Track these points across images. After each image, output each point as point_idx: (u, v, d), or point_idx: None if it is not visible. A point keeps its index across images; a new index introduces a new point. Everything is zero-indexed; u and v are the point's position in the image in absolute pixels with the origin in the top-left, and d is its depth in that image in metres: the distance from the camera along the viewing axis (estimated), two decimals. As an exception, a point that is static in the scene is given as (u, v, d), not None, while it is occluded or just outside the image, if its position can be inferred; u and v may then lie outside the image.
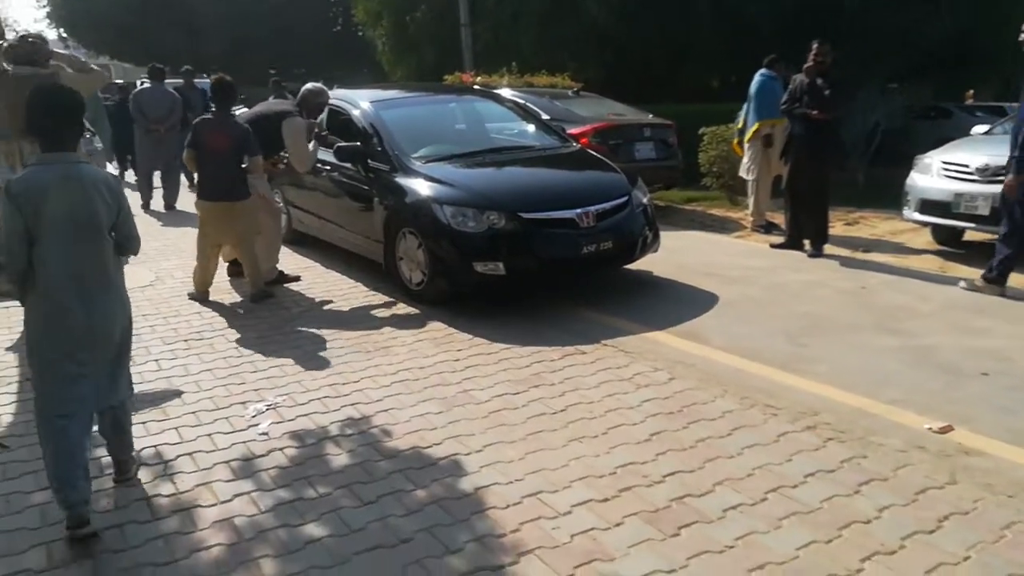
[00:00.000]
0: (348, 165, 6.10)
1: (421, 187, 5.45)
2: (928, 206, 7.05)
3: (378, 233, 5.80)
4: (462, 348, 4.55)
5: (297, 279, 6.15)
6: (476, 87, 10.95)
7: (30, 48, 4.83)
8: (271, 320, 5.17)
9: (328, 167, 6.43)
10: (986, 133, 7.89)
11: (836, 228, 7.57)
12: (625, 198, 5.65)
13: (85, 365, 2.67)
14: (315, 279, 6.24)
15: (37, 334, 2.65)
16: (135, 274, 6.13)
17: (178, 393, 3.94)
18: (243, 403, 3.80)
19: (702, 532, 2.64)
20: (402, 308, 5.41)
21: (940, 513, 2.74)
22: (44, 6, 29.40)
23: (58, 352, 2.63)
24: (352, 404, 3.78)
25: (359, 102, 6.54)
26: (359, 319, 5.19)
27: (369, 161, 5.93)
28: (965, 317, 5.05)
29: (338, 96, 6.86)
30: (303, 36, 28.11)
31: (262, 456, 3.25)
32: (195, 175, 5.85)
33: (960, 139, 8.00)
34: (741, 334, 4.76)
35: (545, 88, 11.17)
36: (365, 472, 3.10)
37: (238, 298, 5.73)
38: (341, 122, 6.59)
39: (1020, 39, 5.78)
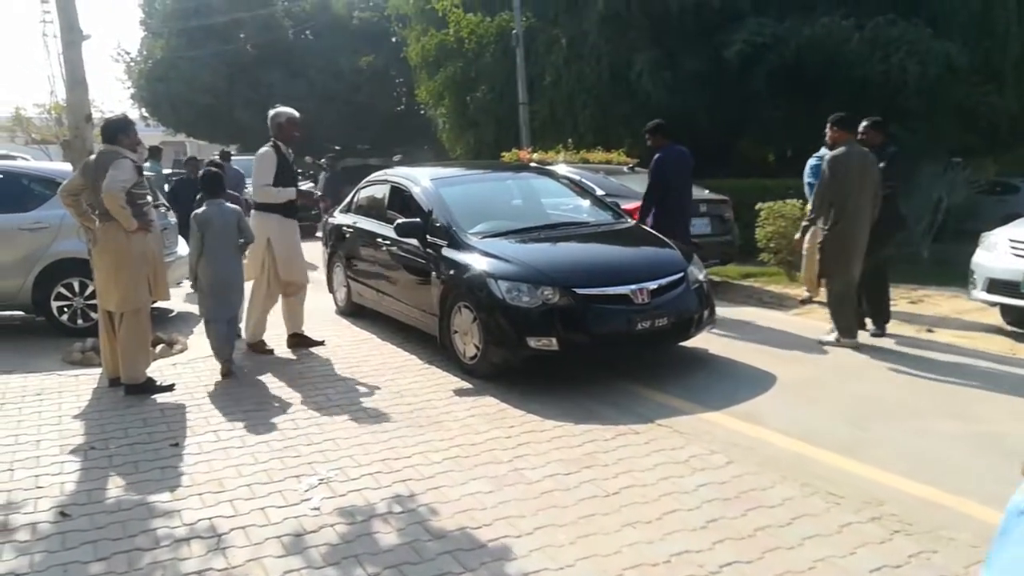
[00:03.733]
0: (408, 240, 6.22)
1: (477, 262, 5.54)
2: (996, 285, 6.83)
3: (434, 307, 5.87)
4: (514, 425, 4.53)
5: (321, 343, 6.50)
6: (533, 163, 11.17)
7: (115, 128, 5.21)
8: (328, 392, 5.25)
9: (388, 242, 6.61)
10: (1056, 210, 7.65)
11: (899, 305, 7.38)
12: (680, 274, 5.62)
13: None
14: (371, 351, 6.34)
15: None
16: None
17: (235, 465, 4.00)
18: (297, 477, 3.83)
19: (760, 629, 2.52)
20: (456, 382, 5.43)
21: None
22: (129, 87, 31.32)
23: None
24: (403, 480, 3.77)
25: (419, 179, 6.75)
26: (413, 392, 5.23)
27: (428, 236, 6.05)
28: (1040, 402, 4.83)
29: (399, 174, 7.20)
30: (369, 114, 29.21)
31: (313, 532, 3.26)
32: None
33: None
34: (801, 416, 4.63)
35: (600, 164, 11.33)
36: (414, 552, 3.07)
37: (295, 370, 5.84)
38: (403, 199, 6.83)
39: None
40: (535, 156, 13.11)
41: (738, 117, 14.05)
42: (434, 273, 5.90)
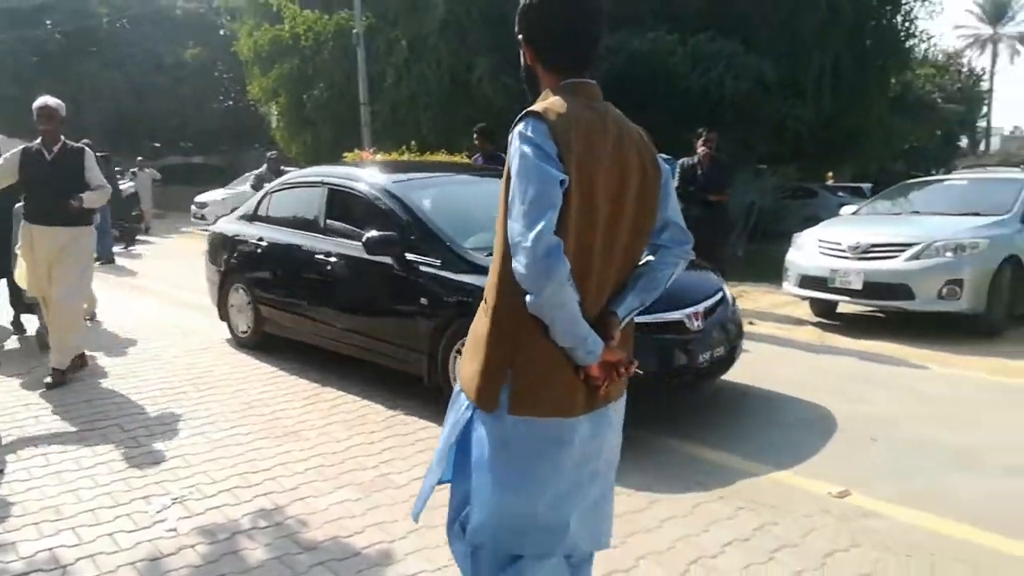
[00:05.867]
0: (375, 259, 4.91)
1: None
2: (806, 281, 7.59)
3: (418, 341, 4.77)
4: (375, 430, 4.48)
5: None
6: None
7: None
8: (170, 407, 4.94)
9: (334, 259, 5.36)
10: (855, 213, 8.61)
11: (726, 302, 8.00)
12: (721, 292, 4.95)
13: None
14: (215, 361, 6.03)
15: None
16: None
17: (72, 490, 3.68)
18: (145, 498, 3.59)
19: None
20: (311, 389, 5.28)
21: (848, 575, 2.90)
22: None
23: None
24: (265, 494, 3.63)
25: (376, 182, 5.44)
26: (264, 403, 5.02)
27: (406, 255, 4.88)
28: (850, 386, 5.41)
29: (339, 174, 5.87)
30: (194, 110, 27.60)
31: (171, 555, 3.07)
32: None
33: (833, 218, 8.71)
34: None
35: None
36: (285, 567, 2.98)
37: (130, 385, 5.45)
38: (350, 206, 5.57)
39: None
40: (378, 157, 12.96)
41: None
42: (423, 299, 4.73)
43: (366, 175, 5.67)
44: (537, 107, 1.77)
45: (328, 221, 5.61)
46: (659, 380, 4.36)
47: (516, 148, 1.73)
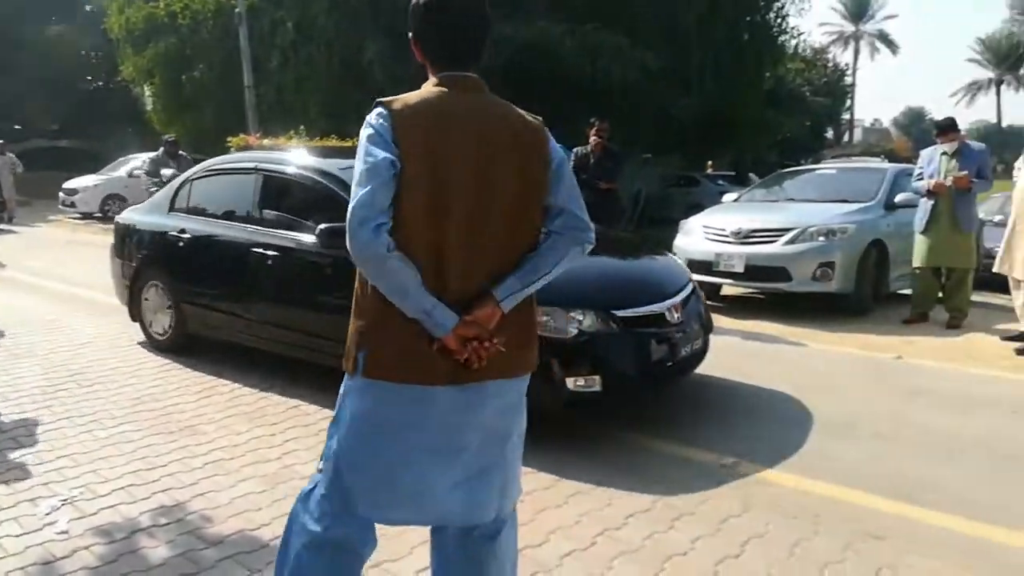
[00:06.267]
0: (325, 251, 4.40)
1: None
2: (693, 265, 7.92)
3: None
4: (276, 422, 4.40)
5: None
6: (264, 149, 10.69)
7: None
8: (50, 404, 4.66)
9: (274, 252, 4.94)
10: (736, 200, 9.07)
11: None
12: (691, 283, 4.84)
13: None
14: (96, 355, 5.72)
15: None
16: None
17: (-55, 496, 3.44)
18: (32, 500, 3.39)
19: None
20: (204, 381, 5.11)
21: (742, 538, 3.10)
22: None
23: None
24: (163, 491, 3.50)
25: (321, 167, 5.01)
26: (155, 397, 4.82)
27: None
28: (734, 362, 5.73)
29: (274, 159, 5.43)
30: (59, 90, 25.76)
31: (65, 557, 2.92)
32: None
33: (716, 206, 9.14)
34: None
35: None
36: (190, 562, 2.90)
37: (10, 384, 5.10)
38: (288, 193, 5.23)
39: None
40: (265, 143, 12.56)
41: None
42: None
43: (309, 162, 5.24)
44: (386, 98, 1.90)
45: (264, 211, 5.21)
46: (650, 379, 4.28)
47: (361, 135, 1.89)
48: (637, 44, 13.86)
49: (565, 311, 3.95)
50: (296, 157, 5.48)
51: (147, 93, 18.57)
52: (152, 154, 11.37)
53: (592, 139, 7.57)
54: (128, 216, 6.36)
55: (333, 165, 5.00)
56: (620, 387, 4.14)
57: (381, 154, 1.81)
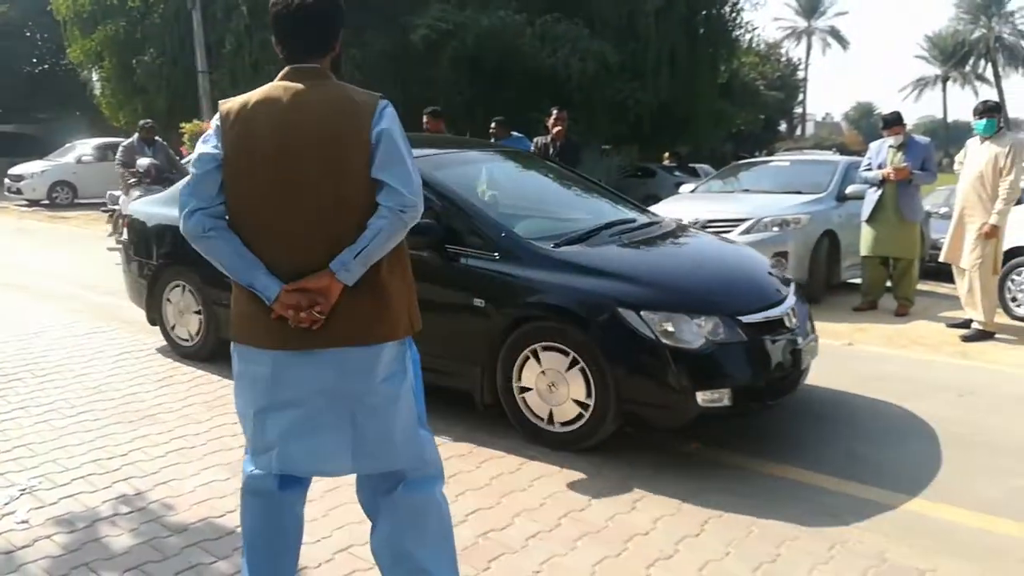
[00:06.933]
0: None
1: (579, 282, 3.79)
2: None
3: (471, 351, 4.03)
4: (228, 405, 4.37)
5: None
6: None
7: None
8: (3, 394, 4.57)
9: None
10: (693, 191, 9.23)
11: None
12: (791, 281, 4.55)
13: None
14: (51, 344, 5.61)
15: None
16: None
17: None
18: (-12, 491, 3.34)
19: None
20: (163, 368, 5.05)
21: (701, 518, 3.20)
22: None
23: None
24: (125, 479, 3.48)
25: None
26: (113, 386, 4.75)
27: (448, 247, 4.07)
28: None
29: None
30: (2, 73, 24.90)
31: (26, 547, 2.89)
32: None
33: (674, 196, 9.30)
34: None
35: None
36: (154, 550, 2.89)
37: (-45, 372, 4.98)
38: None
39: None
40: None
41: (426, 99, 14.57)
42: (477, 300, 3.96)
43: None
44: (227, 98, 2.16)
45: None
46: (771, 389, 3.89)
47: None
48: (595, 36, 13.96)
49: (690, 316, 3.64)
50: None
51: (96, 77, 18.05)
52: (123, 141, 9.96)
53: (554, 128, 7.64)
54: (143, 209, 5.70)
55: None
56: (748, 401, 3.80)
57: (205, 148, 2.09)
